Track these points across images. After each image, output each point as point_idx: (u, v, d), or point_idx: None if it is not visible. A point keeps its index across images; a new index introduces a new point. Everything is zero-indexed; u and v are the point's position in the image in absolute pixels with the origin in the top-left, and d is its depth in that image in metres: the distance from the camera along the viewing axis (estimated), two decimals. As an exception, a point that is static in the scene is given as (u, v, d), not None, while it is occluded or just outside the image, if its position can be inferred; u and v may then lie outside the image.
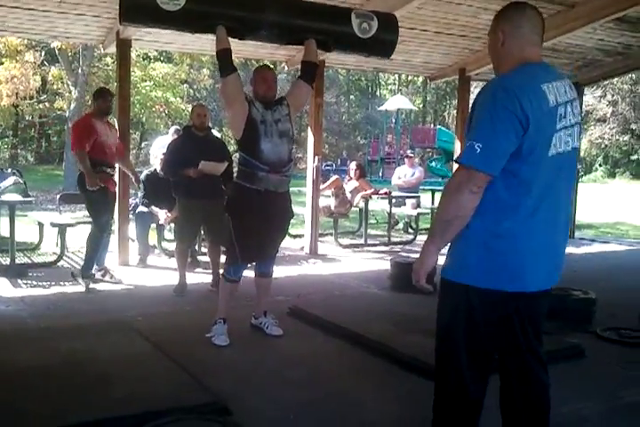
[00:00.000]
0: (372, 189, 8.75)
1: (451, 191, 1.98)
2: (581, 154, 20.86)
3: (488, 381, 2.18)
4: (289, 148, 4.02)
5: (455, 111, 11.20)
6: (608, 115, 32.90)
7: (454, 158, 2.02)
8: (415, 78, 34.43)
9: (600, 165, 33.97)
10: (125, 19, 3.63)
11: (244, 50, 7.90)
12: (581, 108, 9.99)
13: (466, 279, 2.05)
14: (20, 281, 5.69)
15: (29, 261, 6.69)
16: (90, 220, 5.86)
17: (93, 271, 5.64)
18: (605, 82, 23.63)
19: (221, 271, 4.23)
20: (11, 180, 7.18)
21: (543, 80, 1.98)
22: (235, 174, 4.20)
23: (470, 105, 2.09)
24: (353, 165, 9.00)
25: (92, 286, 5.44)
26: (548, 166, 2.02)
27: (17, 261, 6.27)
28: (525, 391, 2.19)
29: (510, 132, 1.91)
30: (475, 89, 10.58)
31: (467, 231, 2.01)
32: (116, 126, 6.07)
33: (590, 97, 29.51)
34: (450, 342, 2.14)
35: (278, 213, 4.00)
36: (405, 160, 11.03)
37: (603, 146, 33.50)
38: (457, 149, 8.99)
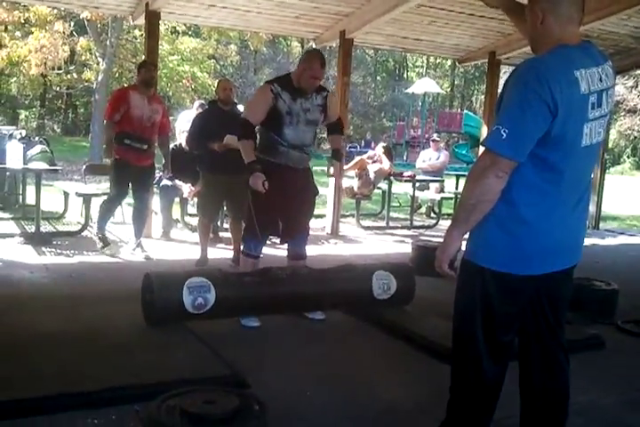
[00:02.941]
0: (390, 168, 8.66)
1: (475, 176, 1.95)
2: (609, 145, 20.52)
3: (507, 365, 2.17)
4: (313, 133, 4.03)
5: (483, 96, 11.04)
6: (639, 106, 32.29)
7: (480, 141, 1.98)
8: (443, 61, 34.06)
9: (628, 157, 33.46)
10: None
11: (272, 26, 7.87)
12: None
13: (483, 261, 2.03)
14: (44, 249, 5.78)
15: (54, 230, 6.78)
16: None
17: (133, 245, 5.75)
18: (638, 71, 23.17)
19: (242, 247, 4.23)
20: (38, 148, 7.22)
21: (578, 66, 1.92)
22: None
23: (500, 88, 2.05)
24: (380, 148, 8.91)
25: (112, 251, 5.63)
26: (580, 156, 1.99)
27: (42, 229, 6.36)
28: (546, 377, 2.17)
29: (538, 118, 1.86)
30: (504, 74, 10.44)
31: (491, 214, 1.98)
32: (162, 103, 5.92)
33: (621, 87, 28.93)
34: (467, 323, 2.12)
35: (299, 189, 3.98)
36: (431, 144, 10.94)
37: (632, 137, 32.95)
38: (483, 134, 8.90)
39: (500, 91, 2.12)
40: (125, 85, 11.25)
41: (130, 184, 5.66)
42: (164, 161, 5.91)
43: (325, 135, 4.27)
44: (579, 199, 2.08)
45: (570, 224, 2.07)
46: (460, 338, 2.17)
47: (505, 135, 1.86)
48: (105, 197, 5.88)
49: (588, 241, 7.94)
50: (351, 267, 4.15)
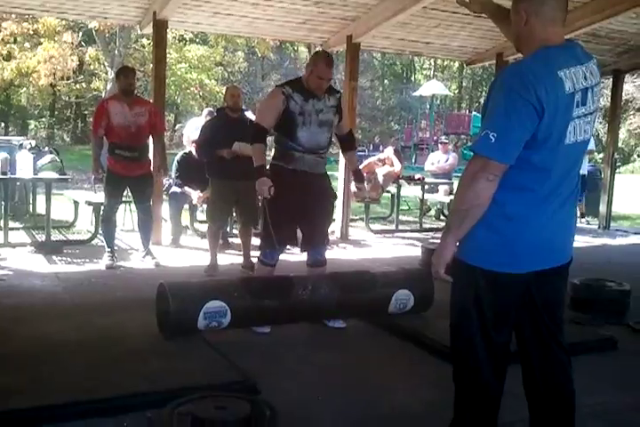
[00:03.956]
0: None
1: (467, 181, 1.97)
2: (619, 144, 20.38)
3: (506, 365, 2.16)
4: (328, 135, 4.02)
5: (491, 97, 11.00)
6: (649, 104, 32.03)
7: (470, 147, 1.99)
8: (451, 63, 33.99)
9: (638, 156, 33.24)
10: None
11: (279, 32, 7.90)
12: (621, 95, 9.83)
13: (473, 260, 2.05)
14: (55, 257, 5.81)
15: (64, 239, 6.83)
16: (126, 200, 6.02)
17: (143, 253, 5.76)
18: (647, 70, 22.98)
19: (257, 254, 4.19)
20: (47, 158, 7.27)
21: (561, 66, 1.94)
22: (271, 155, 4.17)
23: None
24: (390, 150, 8.89)
25: (119, 263, 5.62)
26: (564, 154, 2.00)
27: (52, 238, 6.39)
28: (547, 377, 2.16)
29: (525, 121, 1.89)
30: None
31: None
32: (149, 103, 5.88)
33: (631, 85, 28.72)
34: (462, 322, 2.14)
35: (316, 195, 3.96)
36: (439, 146, 10.93)
37: (642, 136, 32.71)
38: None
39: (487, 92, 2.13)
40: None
41: (122, 194, 5.69)
42: (158, 161, 5.78)
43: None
44: (567, 196, 2.09)
45: (558, 221, 2.07)
46: (457, 337, 2.18)
47: (493, 139, 1.89)
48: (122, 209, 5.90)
49: (598, 241, 8.01)
50: (372, 282, 4.01)
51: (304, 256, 4.17)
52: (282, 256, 4.15)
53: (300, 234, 4.08)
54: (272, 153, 4.10)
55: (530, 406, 2.22)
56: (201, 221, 7.14)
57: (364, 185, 4.28)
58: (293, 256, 4.89)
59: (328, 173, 4.23)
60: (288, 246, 4.18)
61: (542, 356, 2.17)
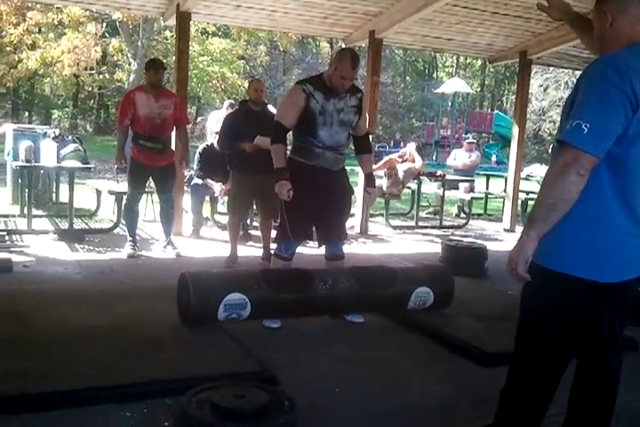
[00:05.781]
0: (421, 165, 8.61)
1: (555, 173, 1.85)
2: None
3: (565, 369, 2.13)
4: (347, 134, 3.99)
5: (514, 96, 10.95)
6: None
7: (557, 137, 1.92)
8: (474, 61, 33.79)
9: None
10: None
11: (301, 26, 7.89)
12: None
13: (559, 267, 1.95)
14: (77, 245, 5.89)
15: (87, 227, 6.91)
16: (148, 190, 6.08)
17: (164, 243, 5.81)
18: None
19: (273, 247, 4.22)
20: (71, 147, 7.34)
21: None
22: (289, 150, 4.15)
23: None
24: (412, 146, 8.85)
25: (141, 252, 5.67)
26: None
27: (75, 226, 6.47)
28: (598, 379, 2.15)
29: (620, 113, 1.80)
30: (535, 74, 10.24)
31: (567, 217, 1.90)
32: (175, 95, 5.85)
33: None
34: (533, 328, 2.08)
35: (334, 191, 3.95)
36: (464, 144, 10.87)
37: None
38: (514, 134, 8.81)
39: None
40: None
41: (145, 185, 5.75)
42: (182, 154, 5.77)
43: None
44: None
45: None
46: (524, 341, 2.13)
47: (586, 130, 1.79)
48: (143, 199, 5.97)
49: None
50: (393, 278, 3.98)
51: (322, 249, 4.18)
52: (300, 249, 4.17)
53: (314, 230, 4.08)
54: (291, 146, 4.07)
55: (571, 401, 2.21)
56: (221, 213, 7.18)
57: (374, 189, 4.22)
58: (311, 249, 4.91)
59: (349, 168, 4.21)
60: (304, 241, 4.19)
61: (598, 357, 2.14)
